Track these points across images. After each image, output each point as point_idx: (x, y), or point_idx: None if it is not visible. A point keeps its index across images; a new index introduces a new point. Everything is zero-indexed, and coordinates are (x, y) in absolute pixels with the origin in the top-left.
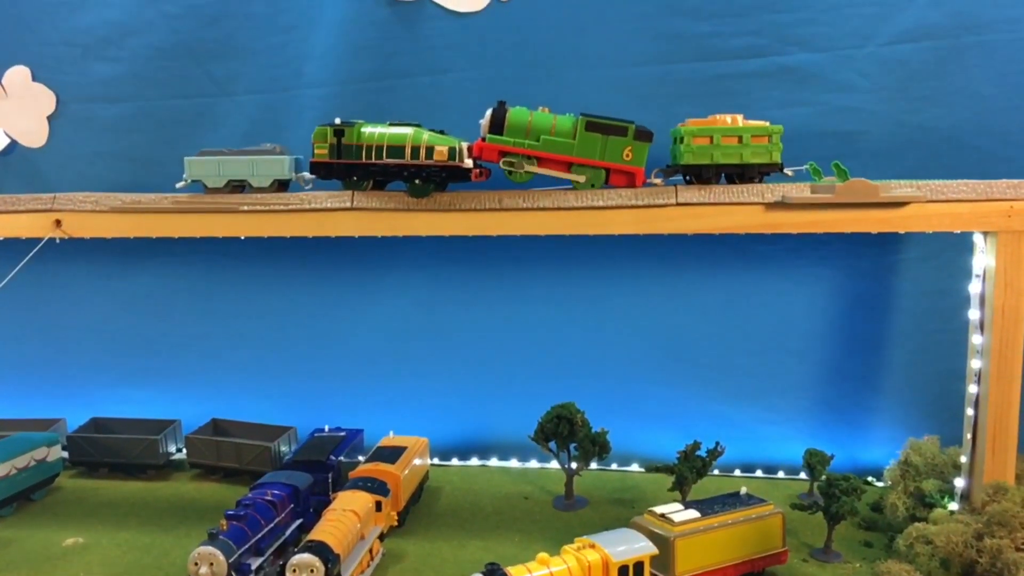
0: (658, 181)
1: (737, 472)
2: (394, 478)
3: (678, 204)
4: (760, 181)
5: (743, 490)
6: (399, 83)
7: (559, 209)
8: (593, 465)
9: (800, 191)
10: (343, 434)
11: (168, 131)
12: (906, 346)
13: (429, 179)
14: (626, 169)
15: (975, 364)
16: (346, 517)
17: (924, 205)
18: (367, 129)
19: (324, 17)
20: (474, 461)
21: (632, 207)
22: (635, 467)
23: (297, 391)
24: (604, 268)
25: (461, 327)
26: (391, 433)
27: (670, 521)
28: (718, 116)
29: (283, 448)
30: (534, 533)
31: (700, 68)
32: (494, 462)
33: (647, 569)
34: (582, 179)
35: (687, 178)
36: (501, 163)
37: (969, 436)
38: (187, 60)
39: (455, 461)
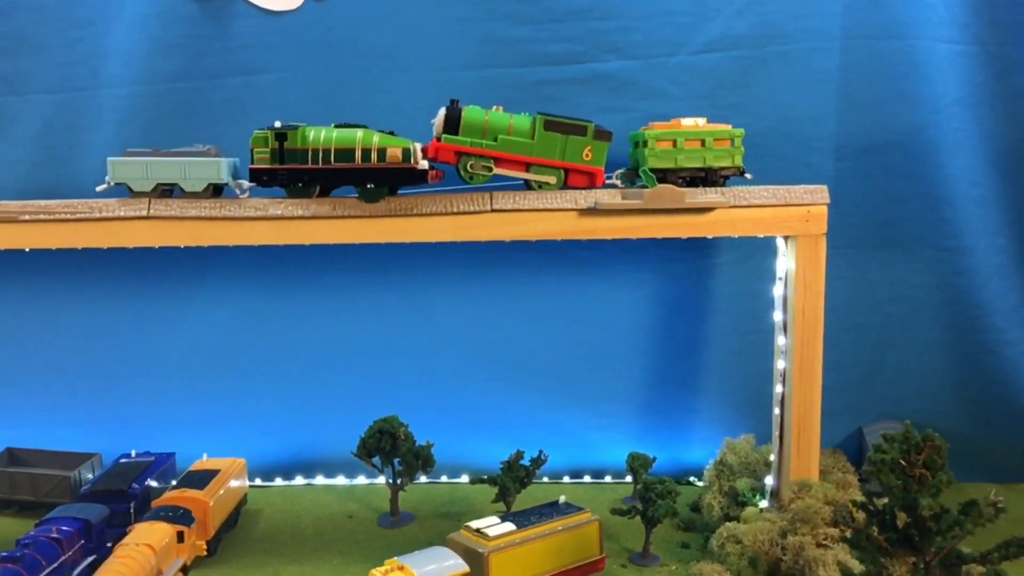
0: (618, 183)
1: (566, 479)
2: (202, 505)
3: (493, 211)
4: (723, 184)
5: (561, 499)
6: (209, 84)
7: (373, 217)
8: (423, 479)
9: (612, 197)
10: (151, 459)
11: None
12: (723, 348)
13: (382, 183)
14: (586, 169)
15: (780, 365)
16: (139, 552)
17: (729, 211)
18: (312, 132)
19: (125, 12)
20: (299, 480)
21: (448, 214)
22: (465, 479)
23: (107, 415)
24: (429, 276)
25: (283, 340)
26: (204, 456)
27: (484, 536)
28: (681, 120)
29: (87, 476)
30: (355, 554)
31: (519, 73)
32: (320, 480)
33: None
34: (552, 180)
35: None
36: (460, 165)
37: (777, 435)
38: None
39: (279, 481)
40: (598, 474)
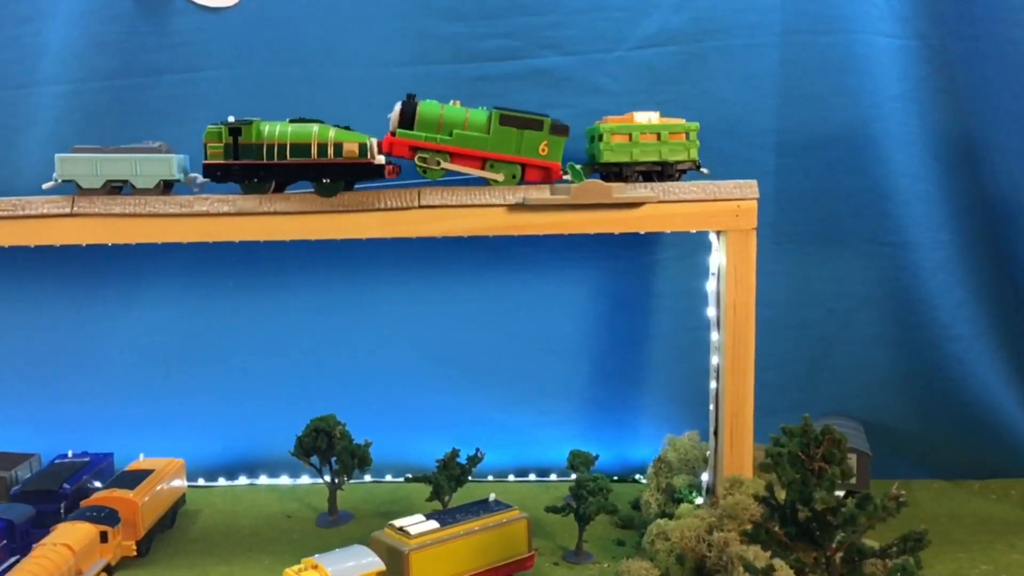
0: (568, 178)
1: (512, 477)
2: (130, 505)
3: (420, 207)
4: (678, 179)
5: (492, 496)
6: (147, 81)
7: (300, 213)
8: (367, 478)
9: (541, 192)
10: (87, 460)
11: None
12: (667, 344)
13: (339, 178)
14: (542, 164)
15: (714, 360)
16: (55, 552)
17: (658, 206)
18: (267, 127)
19: (61, 9)
20: (242, 481)
21: (375, 211)
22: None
23: (48, 416)
24: (372, 273)
25: (225, 339)
26: (141, 456)
27: (406, 534)
28: (636, 113)
29: (24, 477)
30: (287, 554)
31: (457, 69)
32: (263, 480)
33: None
34: (500, 177)
35: (607, 176)
36: (416, 160)
37: (712, 430)
38: None
39: (222, 481)
40: (544, 472)
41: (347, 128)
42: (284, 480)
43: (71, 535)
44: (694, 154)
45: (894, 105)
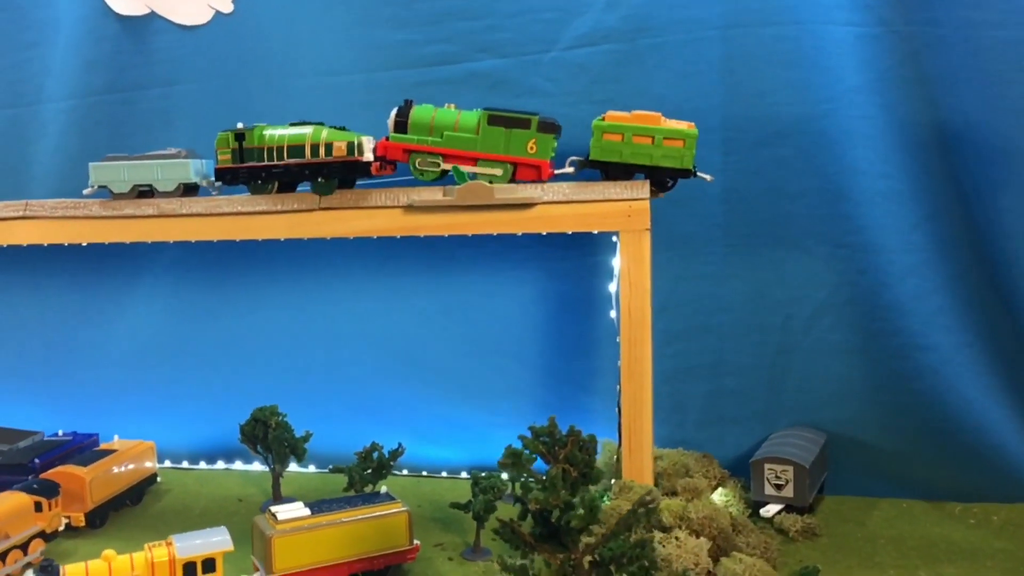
0: (571, 170)
1: (463, 475)
2: (78, 480)
3: (321, 209)
4: (671, 187)
5: (383, 489)
6: (132, 96)
7: (213, 215)
8: (312, 468)
9: (433, 194)
10: (69, 439)
11: None
12: (615, 347)
13: (332, 176)
14: (531, 163)
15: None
16: None
17: (548, 206)
18: (268, 131)
19: (60, 34)
20: (219, 465)
21: (280, 213)
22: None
23: (60, 396)
24: (334, 273)
25: (211, 332)
26: (116, 437)
27: (275, 519)
28: (640, 112)
29: None
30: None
31: (399, 75)
32: (237, 465)
33: (220, 566)
34: (498, 172)
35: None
36: (410, 163)
37: (618, 435)
38: None
39: (202, 465)
40: (496, 470)
41: (342, 129)
42: (256, 466)
43: (2, 503)
44: (688, 162)
45: (852, 98)
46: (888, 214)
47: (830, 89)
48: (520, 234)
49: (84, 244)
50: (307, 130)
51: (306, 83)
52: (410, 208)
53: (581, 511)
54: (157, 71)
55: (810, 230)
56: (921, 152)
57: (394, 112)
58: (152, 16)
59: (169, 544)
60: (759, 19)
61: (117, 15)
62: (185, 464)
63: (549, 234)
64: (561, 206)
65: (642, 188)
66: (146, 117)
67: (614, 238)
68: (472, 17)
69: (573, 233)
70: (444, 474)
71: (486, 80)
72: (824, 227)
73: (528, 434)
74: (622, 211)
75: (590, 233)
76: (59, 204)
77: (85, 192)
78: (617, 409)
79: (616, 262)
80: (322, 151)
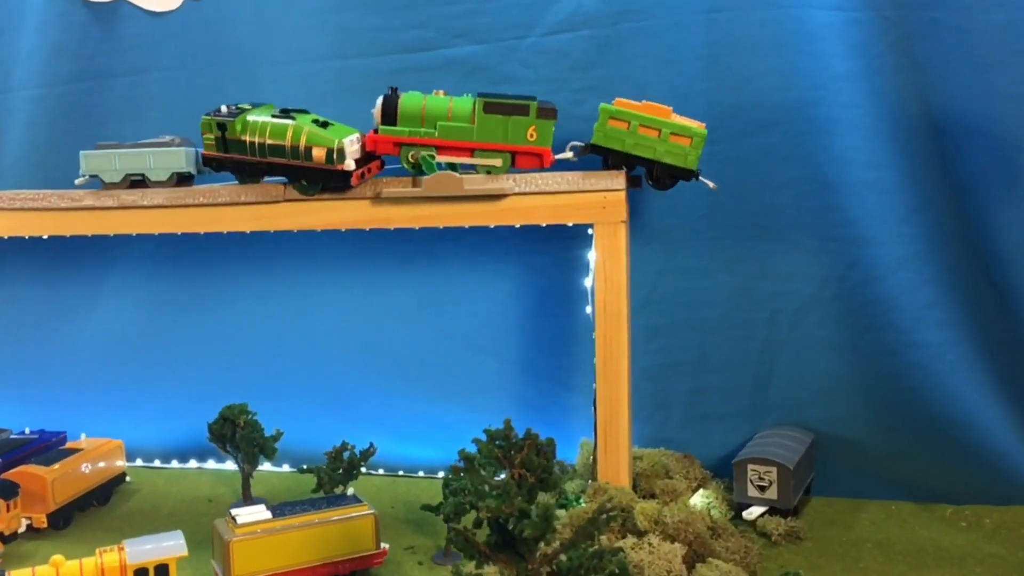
0: (570, 155)
1: (440, 474)
2: (39, 480)
3: (287, 200)
4: (671, 185)
5: (350, 491)
6: (101, 84)
7: (175, 207)
8: (286, 467)
9: (402, 185)
10: (34, 437)
11: None
12: (593, 343)
13: (310, 181)
14: (532, 151)
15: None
16: None
17: (520, 198)
18: (251, 118)
19: (28, 20)
20: (191, 464)
21: (244, 204)
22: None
23: (29, 394)
24: (307, 267)
25: (183, 327)
26: (83, 436)
27: (234, 523)
28: (651, 103)
29: None
30: (191, 535)
31: (373, 62)
32: (210, 464)
33: (173, 571)
34: (497, 163)
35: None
36: (402, 156)
37: (595, 435)
38: None
39: (174, 464)
40: None
41: (325, 126)
42: (228, 466)
43: None
44: (692, 162)
45: (840, 85)
46: (878, 205)
47: (818, 76)
48: (496, 227)
49: (46, 237)
50: (288, 127)
51: (278, 70)
52: (379, 199)
53: (536, 519)
54: (126, 58)
55: (797, 222)
56: (912, 141)
57: (380, 101)
58: (121, 2)
59: (121, 549)
60: (744, 3)
61: (85, 1)
62: (156, 463)
63: (528, 227)
64: (533, 197)
65: (617, 179)
66: (116, 106)
67: (590, 231)
68: (449, 2)
69: (552, 226)
70: (421, 473)
71: (463, 67)
72: (811, 219)
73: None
74: (597, 202)
75: (569, 225)
76: (17, 195)
77: (77, 182)
78: (593, 408)
79: (592, 256)
80: (302, 153)
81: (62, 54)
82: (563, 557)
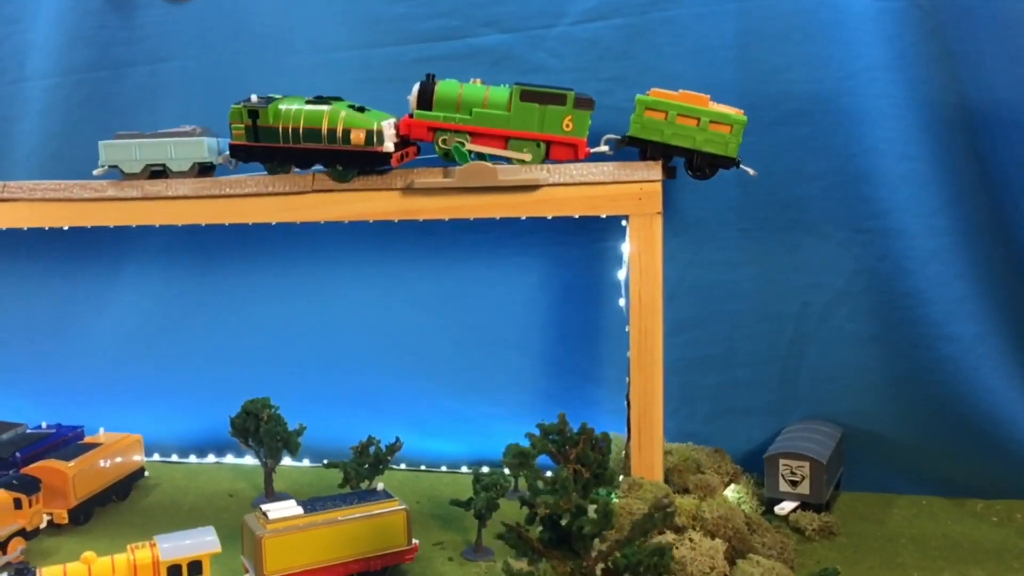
0: (606, 149)
1: (464, 468)
2: (60, 475)
3: (315, 191)
4: (711, 175)
5: (380, 486)
6: (119, 73)
7: (192, 198)
8: (306, 462)
9: (434, 176)
10: (52, 431)
11: None
12: (622, 337)
13: (348, 165)
14: (567, 140)
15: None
16: None
17: (554, 189)
18: (284, 106)
19: (43, 8)
20: (210, 459)
21: (271, 195)
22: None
23: (45, 388)
24: (329, 259)
25: (202, 320)
26: (101, 430)
27: (265, 518)
28: (687, 92)
29: None
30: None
31: (398, 51)
32: (228, 459)
33: (207, 567)
34: (527, 156)
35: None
36: (435, 141)
37: (627, 429)
38: None
39: (192, 459)
40: (498, 465)
41: (362, 110)
42: (248, 460)
43: None
44: (732, 150)
45: (871, 75)
46: (910, 197)
47: (850, 65)
48: (525, 219)
49: (66, 228)
50: (324, 111)
51: (300, 59)
52: (409, 190)
53: (595, 516)
54: (144, 47)
55: (828, 214)
56: (945, 132)
57: (417, 87)
58: None
59: (153, 545)
60: None
61: None
62: (174, 458)
63: (554, 220)
64: (568, 188)
65: (654, 169)
66: (133, 95)
67: (624, 222)
68: None
69: (578, 219)
70: (444, 468)
71: (489, 56)
72: (842, 211)
73: (535, 430)
74: (633, 194)
75: (598, 217)
76: (38, 186)
77: (96, 172)
78: (626, 402)
79: (626, 248)
80: (339, 137)
81: (78, 43)
82: (618, 554)
